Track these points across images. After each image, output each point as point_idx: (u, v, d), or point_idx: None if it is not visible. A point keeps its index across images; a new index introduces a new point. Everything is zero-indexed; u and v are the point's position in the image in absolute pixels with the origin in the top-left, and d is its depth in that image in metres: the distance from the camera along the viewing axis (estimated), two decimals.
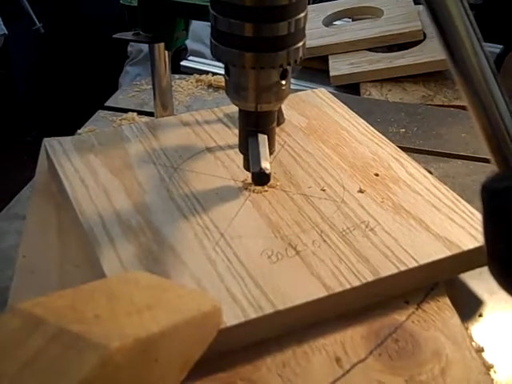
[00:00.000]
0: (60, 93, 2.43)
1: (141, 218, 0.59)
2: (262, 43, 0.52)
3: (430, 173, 0.69)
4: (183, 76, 0.97)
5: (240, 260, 0.54)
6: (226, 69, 0.57)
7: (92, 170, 0.65)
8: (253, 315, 0.49)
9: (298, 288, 0.51)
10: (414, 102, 1.20)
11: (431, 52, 1.31)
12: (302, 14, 0.53)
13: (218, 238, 0.56)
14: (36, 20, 2.17)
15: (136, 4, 0.70)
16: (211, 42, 0.55)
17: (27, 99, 2.44)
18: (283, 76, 0.56)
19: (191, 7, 0.68)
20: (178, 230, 0.57)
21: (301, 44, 0.54)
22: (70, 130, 0.82)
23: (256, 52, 0.53)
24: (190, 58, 1.42)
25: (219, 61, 0.55)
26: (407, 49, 1.35)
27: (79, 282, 0.56)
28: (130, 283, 0.46)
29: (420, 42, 1.35)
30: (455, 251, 0.55)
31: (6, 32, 1.90)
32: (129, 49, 1.95)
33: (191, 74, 1.00)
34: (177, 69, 1.47)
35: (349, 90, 1.27)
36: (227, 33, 0.53)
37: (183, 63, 1.38)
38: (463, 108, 1.16)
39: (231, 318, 0.48)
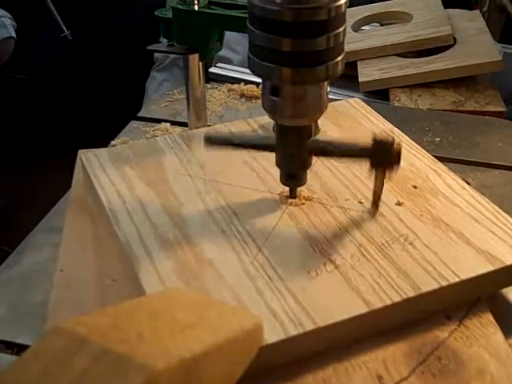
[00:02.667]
0: (87, 99, 2.44)
1: (178, 232, 0.58)
2: (301, 58, 0.52)
3: (468, 183, 0.68)
4: (215, 85, 0.97)
5: (279, 275, 0.53)
6: (265, 83, 0.56)
7: (128, 182, 0.65)
8: (293, 332, 0.48)
9: (338, 304, 0.51)
10: (445, 107, 1.18)
11: (462, 57, 1.30)
12: (341, 29, 0.53)
13: (255, 253, 0.56)
14: (64, 27, 2.18)
15: (171, 16, 0.70)
16: (248, 56, 0.55)
17: (53, 105, 2.45)
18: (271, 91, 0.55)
19: (226, 19, 0.68)
20: (215, 244, 0.57)
21: (340, 58, 0.54)
22: (98, 136, 0.82)
23: (295, 67, 0.52)
24: (219, 64, 1.42)
25: (256, 75, 0.55)
26: (437, 54, 1.33)
27: (117, 296, 0.56)
28: (171, 301, 0.46)
29: (450, 46, 1.33)
30: (498, 266, 0.54)
31: (15, 36, 1.90)
32: (155, 55, 1.95)
33: (220, 81, 1.00)
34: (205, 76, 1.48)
35: (378, 95, 1.26)
36: (265, 47, 0.52)
37: (212, 70, 1.38)
38: (495, 114, 1.15)
39: (272, 334, 0.48)
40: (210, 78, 1.33)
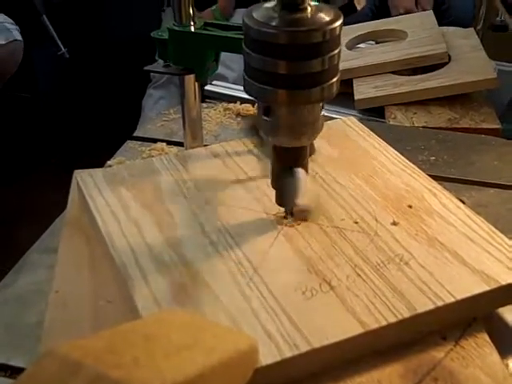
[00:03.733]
0: (84, 116, 2.45)
1: (173, 253, 0.58)
2: (296, 80, 0.52)
3: (463, 202, 0.69)
4: (211, 104, 0.98)
5: (274, 296, 0.53)
6: (260, 104, 0.57)
7: (123, 203, 0.65)
8: (288, 354, 0.48)
9: (334, 325, 0.51)
10: (440, 125, 1.18)
11: (457, 74, 1.30)
12: (336, 51, 0.53)
13: (251, 274, 0.56)
14: (61, 45, 2.19)
15: (166, 37, 0.70)
16: (244, 77, 0.55)
17: (52, 123, 2.46)
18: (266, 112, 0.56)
19: (222, 40, 0.69)
20: (211, 266, 0.57)
21: (335, 80, 0.54)
22: (95, 154, 0.82)
23: (290, 89, 0.53)
24: (214, 82, 1.42)
25: (252, 97, 0.55)
26: (432, 71, 1.34)
27: (112, 317, 0.56)
28: (166, 322, 0.46)
29: (445, 64, 1.34)
30: (493, 286, 0.54)
31: (21, 39, 1.91)
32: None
33: (215, 99, 1.00)
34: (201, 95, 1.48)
35: (373, 113, 1.26)
36: (261, 70, 0.53)
37: (207, 88, 1.38)
38: (490, 131, 1.15)
39: (267, 356, 0.48)
40: (206, 96, 1.33)
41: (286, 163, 0.58)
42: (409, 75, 1.34)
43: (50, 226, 0.72)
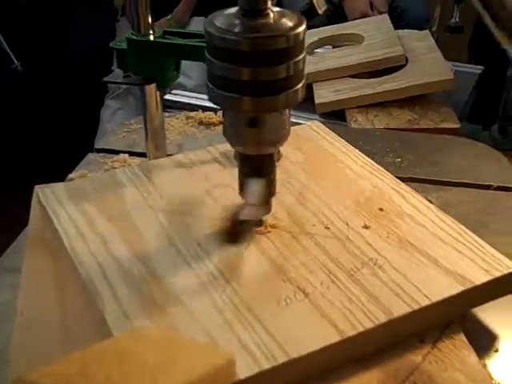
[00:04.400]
0: (41, 130, 2.40)
1: (142, 267, 0.57)
2: (261, 87, 0.51)
3: (431, 202, 0.68)
4: (173, 113, 0.96)
5: (248, 307, 0.52)
6: (224, 112, 0.56)
7: (88, 218, 0.63)
8: (266, 365, 0.47)
9: (311, 333, 0.50)
10: (400, 126, 1.20)
11: (414, 76, 1.32)
12: (301, 56, 0.52)
13: (224, 285, 0.55)
14: (14, 58, 2.15)
15: (125, 47, 0.69)
16: (207, 85, 0.54)
17: (7, 139, 2.40)
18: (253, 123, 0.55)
19: (183, 48, 0.67)
20: (182, 279, 0.55)
21: (300, 86, 0.53)
22: (54, 168, 0.80)
23: (255, 96, 0.52)
24: (174, 91, 1.41)
25: (216, 105, 0.54)
26: (390, 74, 1.35)
27: (82, 336, 0.54)
28: (140, 340, 0.44)
29: (402, 66, 1.36)
30: (468, 286, 0.54)
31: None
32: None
33: (176, 108, 0.98)
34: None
35: (334, 117, 1.27)
36: (224, 77, 0.52)
37: (167, 97, 1.37)
38: (450, 131, 1.16)
39: (244, 369, 0.47)
40: (166, 106, 1.32)
41: (253, 171, 0.57)
42: (368, 78, 1.35)
43: (12, 242, 0.70)
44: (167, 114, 0.95)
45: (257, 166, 0.57)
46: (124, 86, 1.86)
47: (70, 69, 2.33)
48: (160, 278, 0.55)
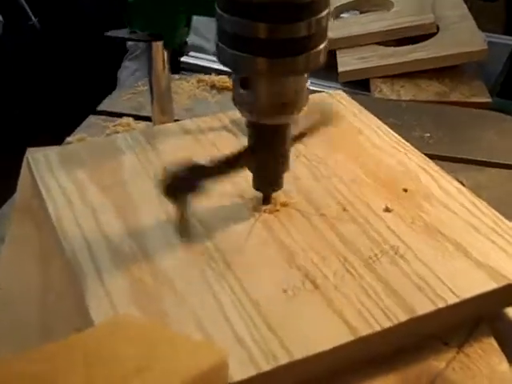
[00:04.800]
0: (57, 91, 2.35)
1: (134, 245, 0.51)
2: (278, 46, 0.44)
3: (462, 184, 0.61)
4: (184, 75, 0.89)
5: (249, 296, 0.46)
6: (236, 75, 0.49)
7: (79, 186, 0.57)
8: (265, 367, 0.41)
9: (319, 331, 0.44)
10: (428, 98, 1.13)
11: (445, 45, 1.26)
12: (324, 13, 0.45)
13: (223, 269, 0.48)
14: (31, 15, 2.09)
15: (132, 0, 0.62)
16: (217, 45, 0.47)
17: (22, 98, 2.35)
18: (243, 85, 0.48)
19: (194, 2, 0.60)
20: (176, 259, 0.49)
21: (322, 47, 0.46)
22: (64, 130, 0.74)
23: (271, 57, 0.45)
24: (191, 53, 1.34)
25: (227, 67, 0.47)
26: (419, 42, 1.27)
27: (63, 316, 0.49)
28: (118, 334, 0.38)
29: (433, 35, 1.28)
30: (502, 283, 0.48)
31: (2, 19, 1.82)
32: (127, 43, 1.87)
33: (193, 71, 0.91)
34: (176, 66, 1.39)
35: (358, 86, 1.20)
36: (236, 34, 0.45)
37: (184, 59, 1.31)
38: (480, 105, 1.09)
39: (239, 370, 0.41)
40: (182, 68, 1.25)
41: (265, 142, 0.50)
42: (396, 46, 1.28)
43: None
44: (177, 77, 0.89)
45: (270, 137, 0.50)
46: (141, 46, 1.79)
47: (87, 28, 2.26)
48: (152, 257, 0.49)
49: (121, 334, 0.38)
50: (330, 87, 1.18)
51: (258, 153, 0.50)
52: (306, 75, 0.48)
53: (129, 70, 1.94)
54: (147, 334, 0.39)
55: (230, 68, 0.47)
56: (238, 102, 0.49)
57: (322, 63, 0.47)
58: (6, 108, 2.24)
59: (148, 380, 0.34)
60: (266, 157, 0.50)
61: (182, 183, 0.50)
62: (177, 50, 1.55)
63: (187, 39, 1.54)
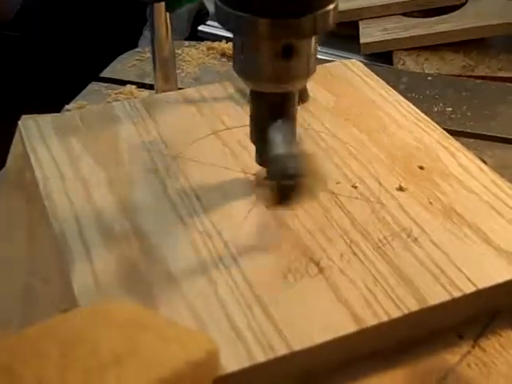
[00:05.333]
0: (75, 59, 2.31)
1: (127, 222, 0.47)
2: (282, 5, 0.40)
3: (485, 162, 0.57)
4: (193, 43, 0.85)
5: (248, 280, 0.42)
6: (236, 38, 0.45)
7: (72, 157, 0.53)
8: (261, 358, 0.37)
9: (321, 320, 0.40)
10: (453, 72, 1.09)
11: (473, 17, 1.22)
12: None
13: (221, 250, 0.45)
14: None
15: None
16: (216, 4, 0.43)
17: (43, 63, 2.32)
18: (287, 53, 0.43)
19: None
20: (171, 238, 0.46)
21: (332, 7, 0.42)
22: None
23: (273, 17, 0.40)
24: (209, 22, 1.29)
25: (226, 28, 0.43)
26: (446, 14, 1.23)
27: (48, 301, 0.45)
28: (99, 320, 0.35)
29: (461, 6, 1.23)
30: None
31: None
32: (148, 12, 1.82)
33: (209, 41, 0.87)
34: (194, 35, 1.35)
35: (380, 58, 1.16)
36: None
37: (201, 28, 1.27)
38: (508, 80, 1.03)
39: (233, 361, 0.37)
40: (199, 38, 1.21)
41: (268, 112, 0.46)
42: (421, 17, 1.24)
43: None
44: (187, 43, 0.84)
45: (273, 107, 0.46)
46: None
47: None
48: (145, 236, 0.46)
49: (103, 320, 0.35)
50: (352, 59, 1.14)
51: (261, 124, 0.46)
52: (313, 40, 0.43)
53: (147, 40, 1.90)
54: (132, 320, 0.35)
55: (228, 30, 0.43)
56: (238, 69, 0.45)
57: (331, 26, 0.42)
58: (13, 70, 2.19)
59: (126, 371, 0.31)
60: (268, 128, 0.46)
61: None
62: (199, 15, 1.50)
63: (208, 8, 1.49)
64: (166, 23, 0.62)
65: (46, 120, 0.58)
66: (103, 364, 0.31)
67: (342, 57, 1.17)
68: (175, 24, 1.74)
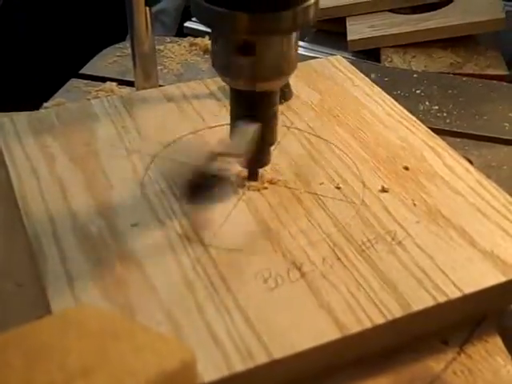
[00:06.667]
0: (60, 55, 2.27)
1: (103, 223, 0.46)
2: (261, 0, 0.38)
3: (471, 162, 0.56)
4: (175, 39, 0.83)
5: (227, 285, 0.41)
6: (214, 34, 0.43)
7: (48, 156, 0.52)
8: (240, 367, 0.36)
9: (303, 327, 0.39)
10: (441, 70, 1.08)
11: (461, 14, 1.21)
12: None
13: (200, 253, 0.43)
14: None
15: None
16: None
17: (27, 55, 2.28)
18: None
19: None
20: (148, 241, 0.44)
21: (312, 1, 0.40)
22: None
23: (252, 12, 0.39)
24: (195, 18, 1.28)
25: (202, 23, 0.42)
26: (434, 10, 1.21)
27: (21, 306, 0.44)
28: (69, 329, 0.33)
29: (448, 2, 1.22)
30: (511, 276, 0.42)
31: None
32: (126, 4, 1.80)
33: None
34: (181, 31, 1.33)
35: (368, 55, 1.15)
36: None
37: (187, 24, 1.25)
38: (496, 78, 1.02)
39: (211, 370, 0.36)
40: (186, 34, 1.20)
41: (248, 111, 0.44)
42: (408, 14, 1.22)
43: None
44: (168, 39, 0.82)
45: (253, 106, 0.45)
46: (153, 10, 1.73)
47: None
48: (122, 238, 0.44)
49: (73, 329, 0.33)
50: (336, 56, 1.13)
51: (240, 123, 0.45)
52: (294, 35, 0.42)
53: None
54: (105, 329, 0.34)
55: (205, 25, 0.42)
56: (216, 66, 0.44)
57: (311, 21, 0.41)
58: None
59: (95, 383, 0.29)
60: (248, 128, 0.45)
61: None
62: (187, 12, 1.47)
63: None
64: (146, 18, 0.61)
65: (22, 118, 0.56)
66: (70, 376, 0.29)
67: (329, 54, 1.16)
68: (163, 21, 1.73)
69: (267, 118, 0.45)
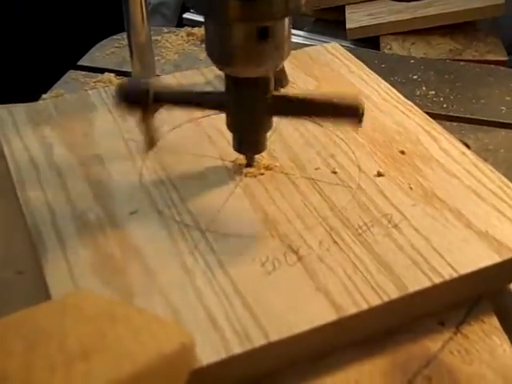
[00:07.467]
0: (59, 47, 2.27)
1: (101, 211, 0.46)
2: None
3: (467, 146, 0.56)
4: (172, 29, 0.83)
5: (225, 269, 0.41)
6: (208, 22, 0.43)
7: (46, 146, 0.52)
8: (238, 349, 0.37)
9: (300, 309, 0.39)
10: (441, 56, 1.08)
11: (460, 0, 1.19)
12: None
13: (197, 239, 0.44)
14: None
15: None
16: None
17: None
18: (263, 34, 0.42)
19: None
20: (147, 228, 0.45)
21: None
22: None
23: None
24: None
25: (194, 10, 0.42)
26: None
27: (21, 294, 0.44)
28: (68, 314, 0.33)
29: None
30: (506, 256, 0.42)
31: None
32: None
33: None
34: (180, 22, 1.33)
35: (367, 43, 1.16)
36: None
37: (186, 15, 1.25)
38: (496, 63, 1.02)
39: (209, 353, 0.36)
40: (185, 25, 1.20)
41: (243, 98, 0.45)
42: (407, 1, 1.23)
43: None
44: (166, 29, 0.83)
45: (247, 92, 0.45)
46: (153, 2, 1.73)
47: None
48: (121, 226, 0.45)
49: (72, 313, 0.34)
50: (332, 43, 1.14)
51: (236, 109, 0.45)
52: (286, 21, 0.42)
53: None
54: (104, 313, 0.34)
55: (199, 13, 0.42)
56: (210, 52, 0.44)
57: (303, 7, 0.41)
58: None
59: (94, 366, 0.30)
60: (245, 114, 0.45)
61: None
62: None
63: None
64: (142, 8, 0.61)
65: (20, 109, 0.56)
66: (70, 359, 0.30)
67: (328, 42, 1.17)
68: (163, 13, 1.72)
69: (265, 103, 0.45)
